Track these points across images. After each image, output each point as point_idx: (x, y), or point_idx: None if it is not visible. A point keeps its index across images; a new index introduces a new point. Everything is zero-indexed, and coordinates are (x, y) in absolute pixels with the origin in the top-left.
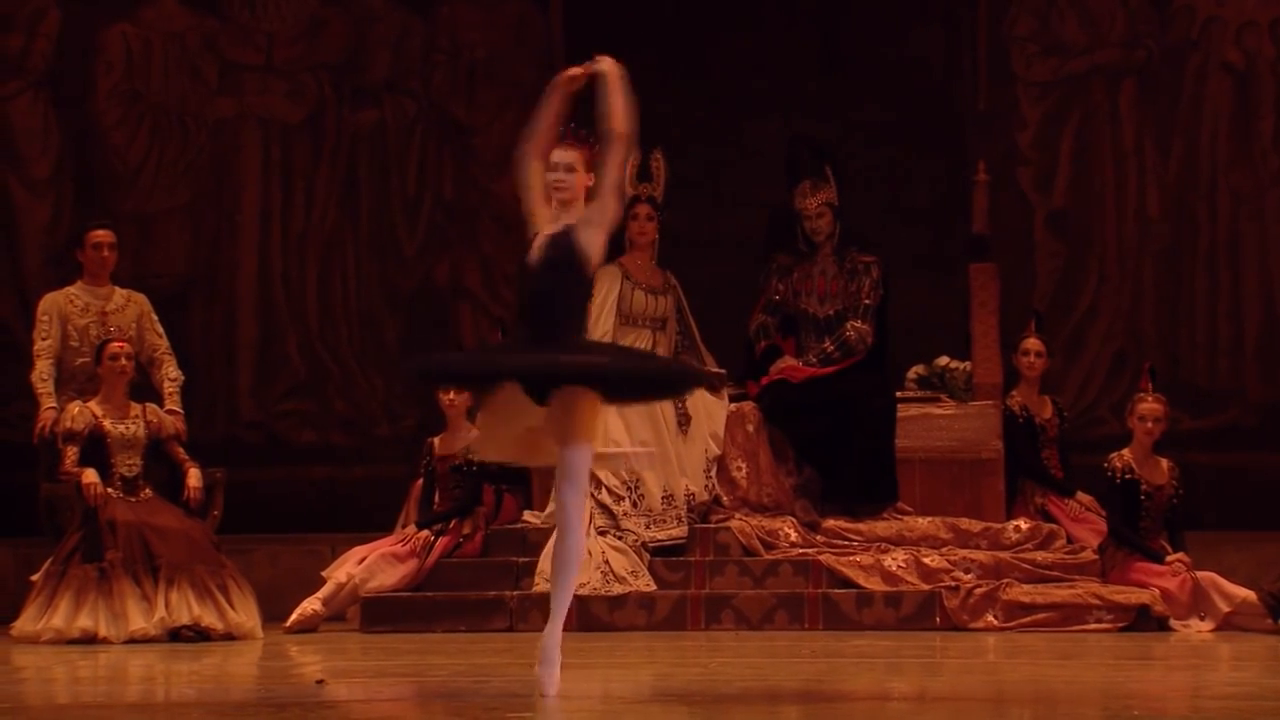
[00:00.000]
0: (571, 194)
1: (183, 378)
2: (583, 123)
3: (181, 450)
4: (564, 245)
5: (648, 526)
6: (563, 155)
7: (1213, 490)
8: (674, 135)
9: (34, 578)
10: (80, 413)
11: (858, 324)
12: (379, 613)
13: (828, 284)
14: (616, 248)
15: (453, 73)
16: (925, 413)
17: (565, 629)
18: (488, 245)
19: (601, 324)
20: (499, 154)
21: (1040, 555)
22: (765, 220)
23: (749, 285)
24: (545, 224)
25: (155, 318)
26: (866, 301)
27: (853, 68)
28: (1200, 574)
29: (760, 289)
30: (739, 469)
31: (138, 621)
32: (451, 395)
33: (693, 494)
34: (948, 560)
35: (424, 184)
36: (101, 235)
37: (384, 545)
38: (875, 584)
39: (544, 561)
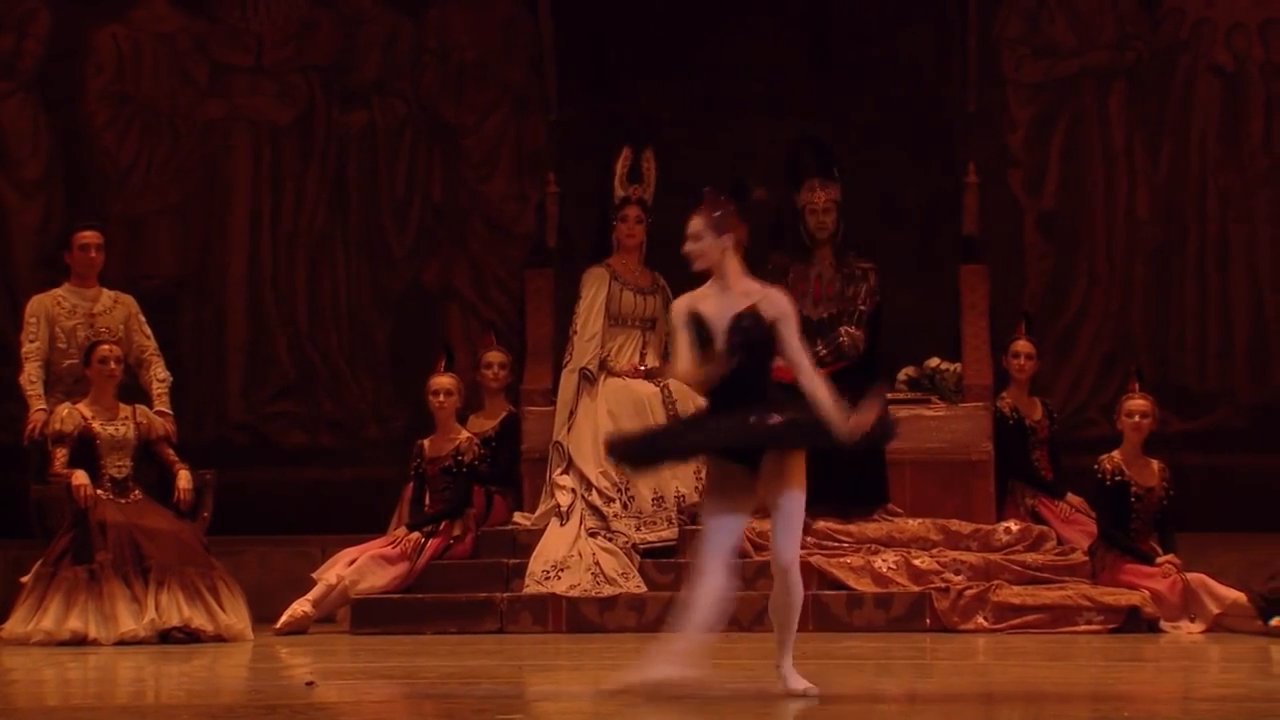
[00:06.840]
0: (705, 261)
1: (171, 379)
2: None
3: (171, 451)
4: (754, 327)
5: (638, 528)
6: (692, 225)
7: (1203, 492)
8: (665, 136)
9: (24, 579)
10: (69, 414)
11: (851, 329)
12: (369, 614)
13: (824, 287)
14: (605, 249)
15: (442, 74)
16: (915, 414)
17: (555, 630)
18: (477, 246)
19: (591, 325)
20: (488, 155)
21: (1030, 557)
22: (767, 220)
23: None
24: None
25: (143, 319)
26: (862, 308)
27: (843, 69)
28: (1190, 575)
29: None
30: None
31: (128, 623)
32: (440, 397)
33: (683, 495)
34: (938, 562)
35: (413, 185)
36: (88, 236)
37: (374, 547)
38: (865, 585)
39: (534, 563)
